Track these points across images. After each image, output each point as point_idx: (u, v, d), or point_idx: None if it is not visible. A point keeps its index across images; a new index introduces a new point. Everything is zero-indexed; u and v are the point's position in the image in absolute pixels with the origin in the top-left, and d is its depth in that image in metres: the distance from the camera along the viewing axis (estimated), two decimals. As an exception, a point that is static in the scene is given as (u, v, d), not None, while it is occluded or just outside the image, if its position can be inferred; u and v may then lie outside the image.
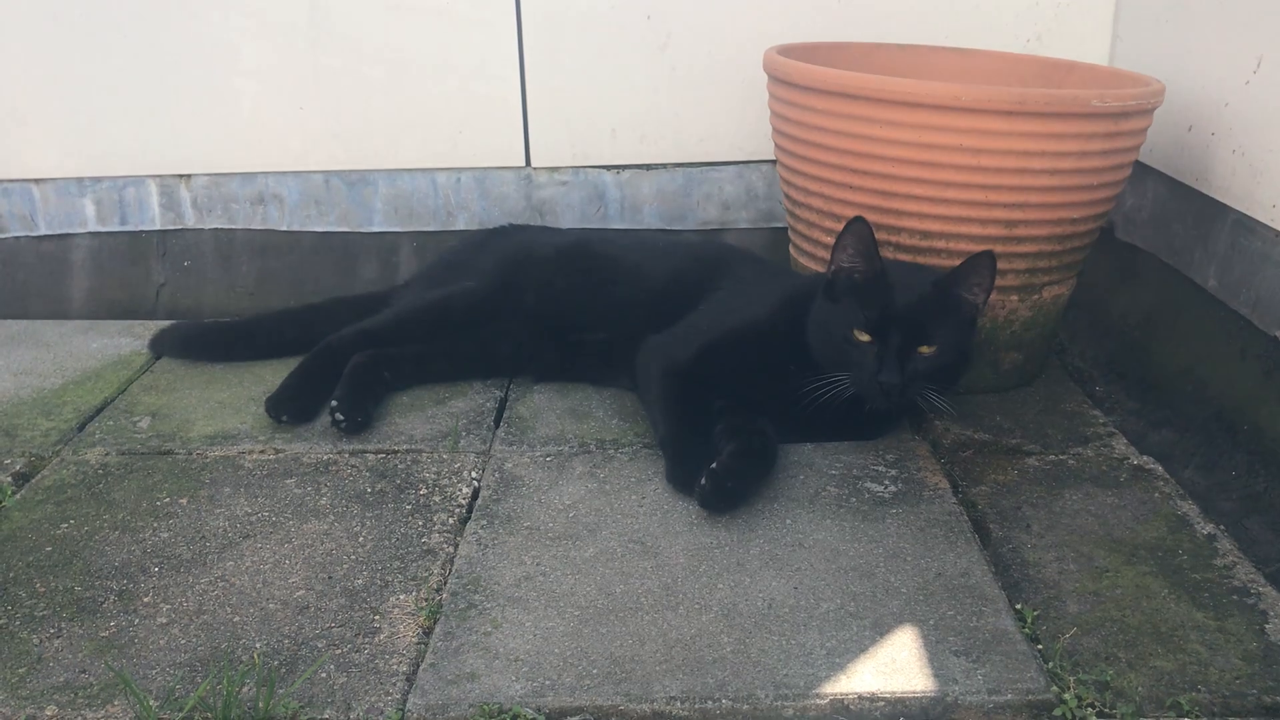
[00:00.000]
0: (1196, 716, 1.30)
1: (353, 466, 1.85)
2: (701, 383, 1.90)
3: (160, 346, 2.28)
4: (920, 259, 1.97)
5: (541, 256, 2.19)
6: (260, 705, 1.30)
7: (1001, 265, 1.97)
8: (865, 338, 1.77)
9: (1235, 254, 1.93)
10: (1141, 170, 2.26)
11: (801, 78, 2.00)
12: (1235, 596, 1.50)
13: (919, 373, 1.77)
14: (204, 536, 1.65)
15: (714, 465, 1.70)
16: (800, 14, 2.44)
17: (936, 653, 1.39)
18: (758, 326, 1.94)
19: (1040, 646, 1.41)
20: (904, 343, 1.76)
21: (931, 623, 1.44)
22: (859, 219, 1.79)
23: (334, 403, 1.95)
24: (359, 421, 1.95)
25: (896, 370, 1.75)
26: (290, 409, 1.99)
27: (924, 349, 1.77)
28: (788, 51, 2.14)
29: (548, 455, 1.89)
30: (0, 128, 2.54)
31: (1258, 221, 1.88)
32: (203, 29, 2.46)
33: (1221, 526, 1.67)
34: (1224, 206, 1.98)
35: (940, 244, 1.96)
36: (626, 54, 2.48)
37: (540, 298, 2.13)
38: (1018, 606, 1.48)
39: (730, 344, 1.93)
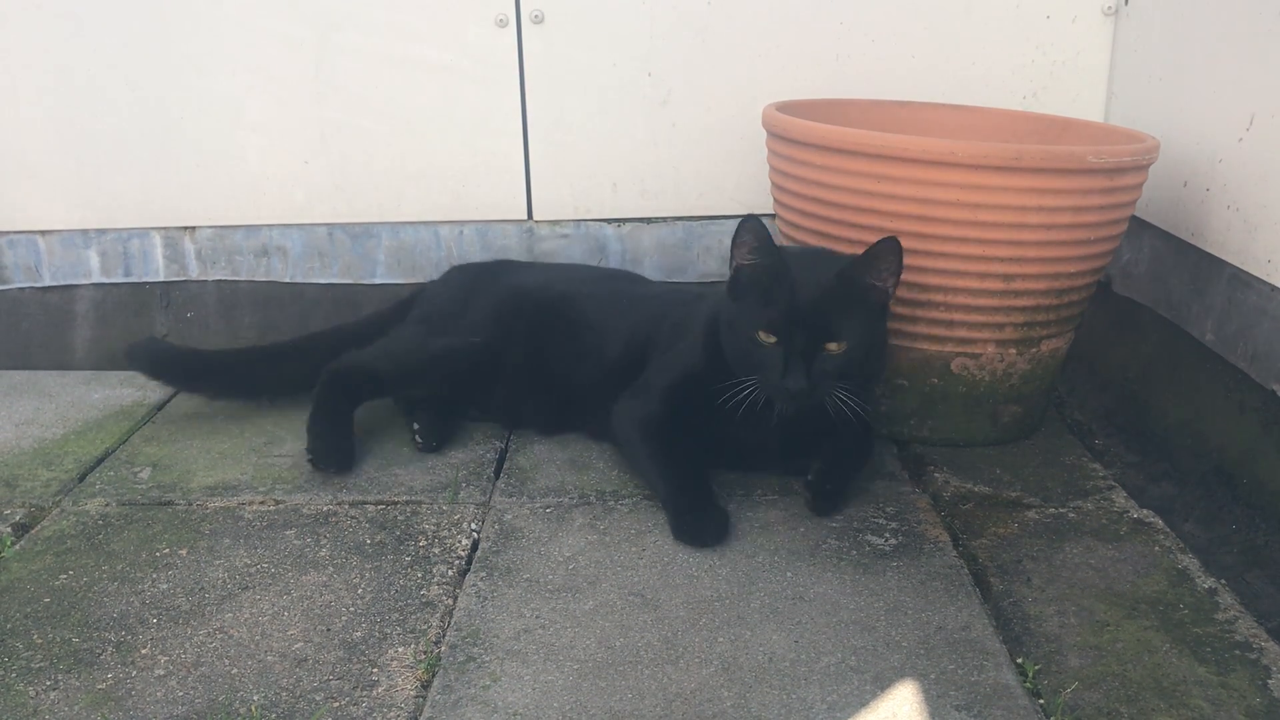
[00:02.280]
0: (1200, 773, 1.30)
1: (352, 518, 1.85)
2: (678, 430, 1.89)
3: (135, 360, 2.25)
4: (918, 311, 1.99)
5: (529, 311, 2.17)
6: (257, 759, 1.29)
7: (1000, 319, 1.99)
8: (770, 339, 1.74)
9: (1232, 308, 1.94)
10: (1138, 225, 2.28)
11: (800, 133, 2.02)
12: (1237, 651, 1.49)
13: (827, 372, 1.75)
14: (203, 588, 1.65)
15: (810, 476, 1.84)
16: (798, 71, 2.48)
17: (938, 707, 1.38)
18: (696, 357, 1.92)
19: (1042, 701, 1.40)
20: (809, 342, 1.73)
21: (933, 677, 1.44)
22: (751, 217, 1.76)
23: (416, 425, 2.10)
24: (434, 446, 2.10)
25: (802, 374, 1.72)
26: (336, 460, 2.00)
27: (831, 346, 1.74)
28: (786, 108, 2.17)
29: (547, 507, 1.88)
30: (8, 180, 2.56)
31: (1253, 276, 1.89)
32: (209, 84, 2.49)
33: (1222, 580, 1.66)
34: (1220, 261, 1.99)
35: (939, 297, 1.97)
36: (627, 109, 2.52)
37: (529, 353, 2.13)
38: (1019, 660, 1.47)
39: (683, 383, 1.92)
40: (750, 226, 1.77)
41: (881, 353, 1.86)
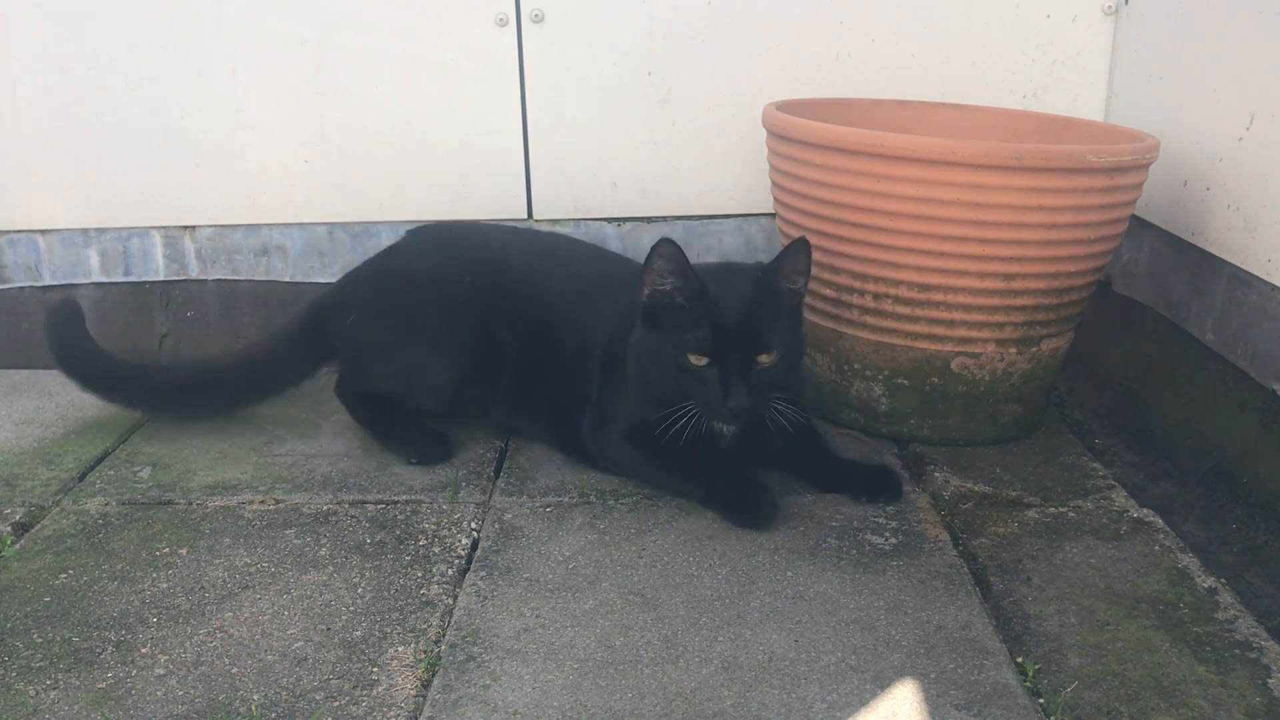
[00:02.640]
0: (1200, 772, 1.30)
1: (352, 517, 1.85)
2: (657, 429, 1.82)
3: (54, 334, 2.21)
4: (919, 311, 1.99)
5: (522, 327, 2.09)
6: (257, 758, 1.29)
7: (1000, 318, 1.99)
8: (702, 361, 1.73)
9: (1232, 307, 1.94)
10: (1138, 224, 2.28)
11: (800, 133, 2.02)
12: (1237, 650, 1.49)
13: (764, 384, 1.75)
14: (203, 587, 1.65)
15: (852, 493, 1.88)
16: (798, 70, 2.48)
17: (938, 706, 1.38)
18: (630, 399, 1.89)
19: (1042, 700, 1.40)
20: (744, 358, 1.73)
21: (933, 676, 1.44)
22: (666, 240, 1.73)
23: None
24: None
25: (744, 391, 1.71)
26: (440, 450, 2.06)
27: (764, 358, 1.74)
28: (786, 107, 2.17)
29: (547, 506, 1.88)
30: (8, 179, 2.56)
31: (1254, 275, 1.89)
32: (209, 83, 2.49)
33: (1222, 579, 1.66)
34: (1220, 260, 1.99)
35: (939, 296, 1.97)
36: (627, 109, 2.52)
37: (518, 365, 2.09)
38: (1019, 660, 1.47)
39: (633, 420, 1.90)
40: (663, 252, 1.74)
41: (802, 351, 1.87)
